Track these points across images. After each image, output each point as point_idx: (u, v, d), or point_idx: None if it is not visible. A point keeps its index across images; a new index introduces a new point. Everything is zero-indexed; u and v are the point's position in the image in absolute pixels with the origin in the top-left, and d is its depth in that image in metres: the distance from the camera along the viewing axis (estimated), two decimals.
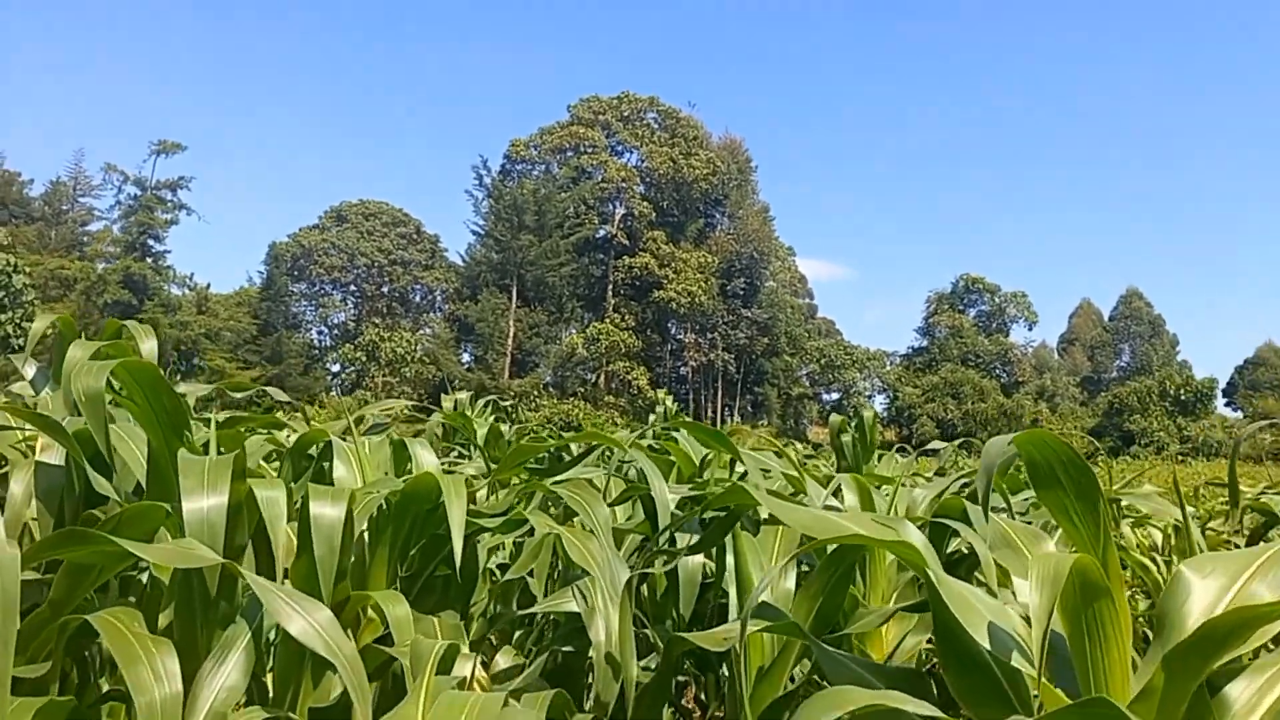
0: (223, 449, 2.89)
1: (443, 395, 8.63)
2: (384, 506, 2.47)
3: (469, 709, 1.55)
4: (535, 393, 53.63)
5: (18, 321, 25.40)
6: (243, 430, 4.16)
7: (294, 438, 3.78)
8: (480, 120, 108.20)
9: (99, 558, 1.78)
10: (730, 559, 2.69)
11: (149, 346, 3.46)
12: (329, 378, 58.44)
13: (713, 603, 3.10)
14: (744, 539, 2.67)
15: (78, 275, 49.23)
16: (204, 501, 1.82)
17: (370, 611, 2.40)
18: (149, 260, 50.51)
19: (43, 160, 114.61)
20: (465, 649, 2.26)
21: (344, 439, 3.04)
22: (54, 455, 2.51)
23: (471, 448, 6.04)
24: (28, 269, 28.87)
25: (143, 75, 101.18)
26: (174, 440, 2.11)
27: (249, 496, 2.11)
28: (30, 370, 3.58)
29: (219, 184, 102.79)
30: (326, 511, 2.03)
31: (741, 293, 65.67)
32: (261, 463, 4.11)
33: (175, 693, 1.57)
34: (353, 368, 54.99)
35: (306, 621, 1.65)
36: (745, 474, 3.42)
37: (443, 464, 4.91)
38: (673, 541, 2.75)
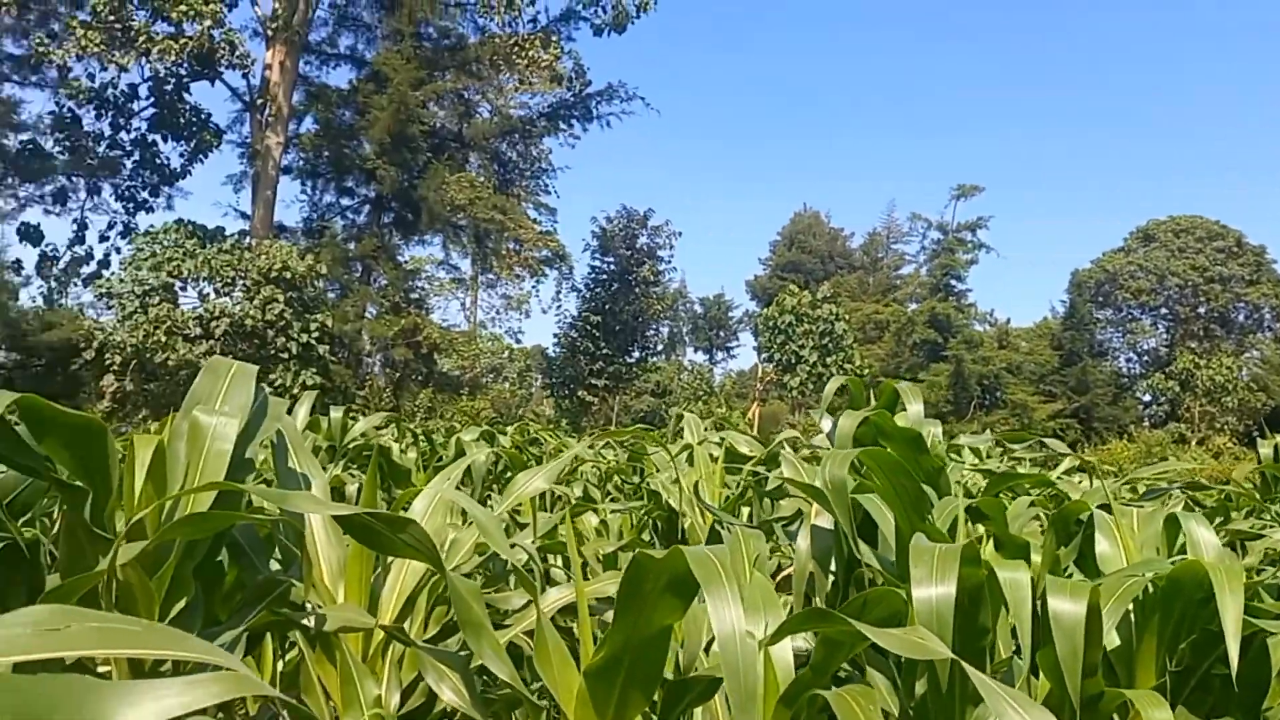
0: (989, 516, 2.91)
1: (1261, 437, 7.57)
2: (1150, 590, 2.26)
3: None
4: None
5: (840, 363, 28.94)
6: (1020, 488, 4.12)
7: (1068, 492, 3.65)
8: None
9: (845, 635, 1.91)
10: None
11: (915, 409, 3.63)
12: (1140, 408, 55.17)
13: None
14: None
15: (890, 318, 54.06)
16: (932, 590, 1.84)
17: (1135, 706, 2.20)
18: (952, 300, 53.33)
19: (862, 214, 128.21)
20: None
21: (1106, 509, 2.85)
22: (826, 520, 2.77)
23: None
24: (846, 315, 32.57)
25: (943, 125, 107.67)
26: (916, 520, 2.18)
27: (991, 577, 2.09)
28: (826, 424, 3.99)
29: (1015, 219, 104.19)
30: (1066, 608, 1.92)
31: None
32: (1038, 519, 4.04)
33: None
34: (1165, 398, 51.16)
35: None
36: None
37: (1253, 526, 4.29)
38: None
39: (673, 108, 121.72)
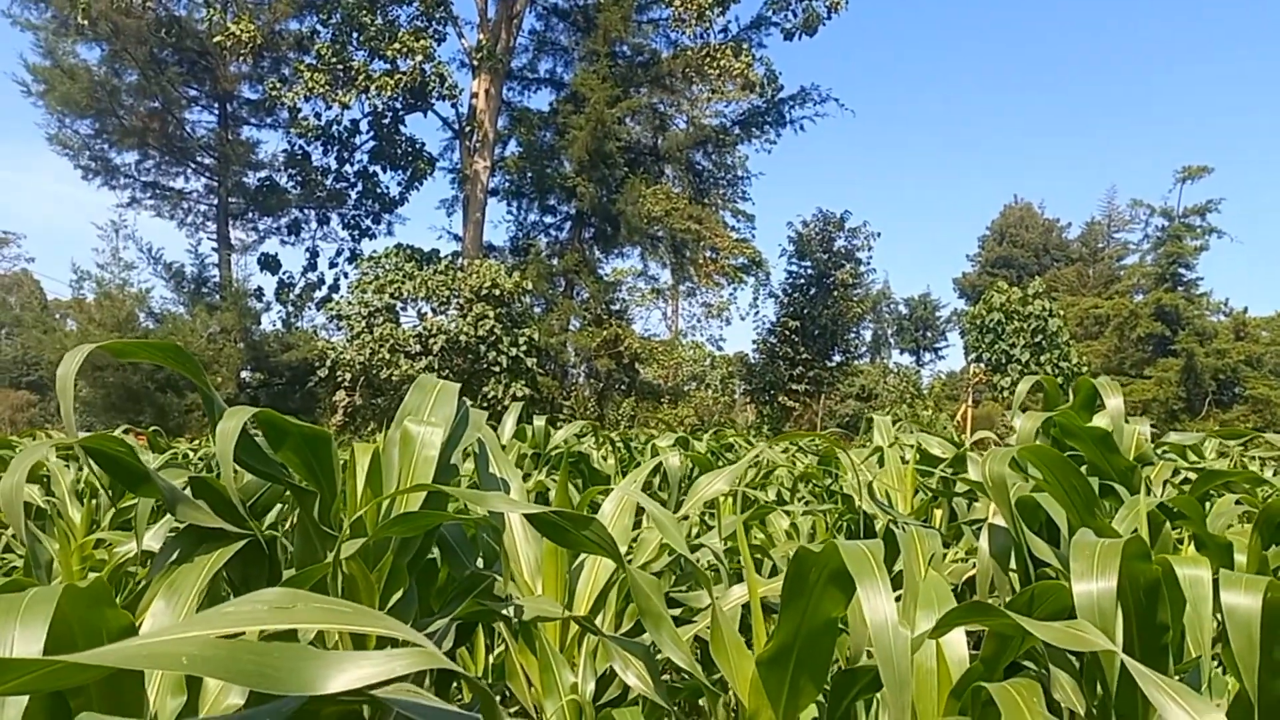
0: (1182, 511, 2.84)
1: None
2: None
3: None
4: None
5: (1055, 361, 27.55)
6: (1235, 486, 3.92)
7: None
8: None
9: (1010, 630, 1.95)
10: None
11: (1115, 405, 3.54)
12: None
13: None
14: None
15: (1110, 312, 50.90)
16: (1093, 585, 1.86)
17: None
18: (1179, 290, 49.68)
19: (1079, 204, 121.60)
20: None
21: None
22: (1003, 519, 2.78)
23: None
24: (1061, 311, 30.98)
25: (1163, 106, 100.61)
26: (1086, 518, 2.18)
27: (1169, 574, 2.07)
28: (1018, 422, 3.94)
29: (1250, 201, 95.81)
30: (1240, 601, 1.89)
31: None
32: (1246, 518, 3.83)
33: None
34: None
35: None
36: None
37: None
38: None
39: (868, 105, 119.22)
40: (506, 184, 29.64)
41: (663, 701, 2.29)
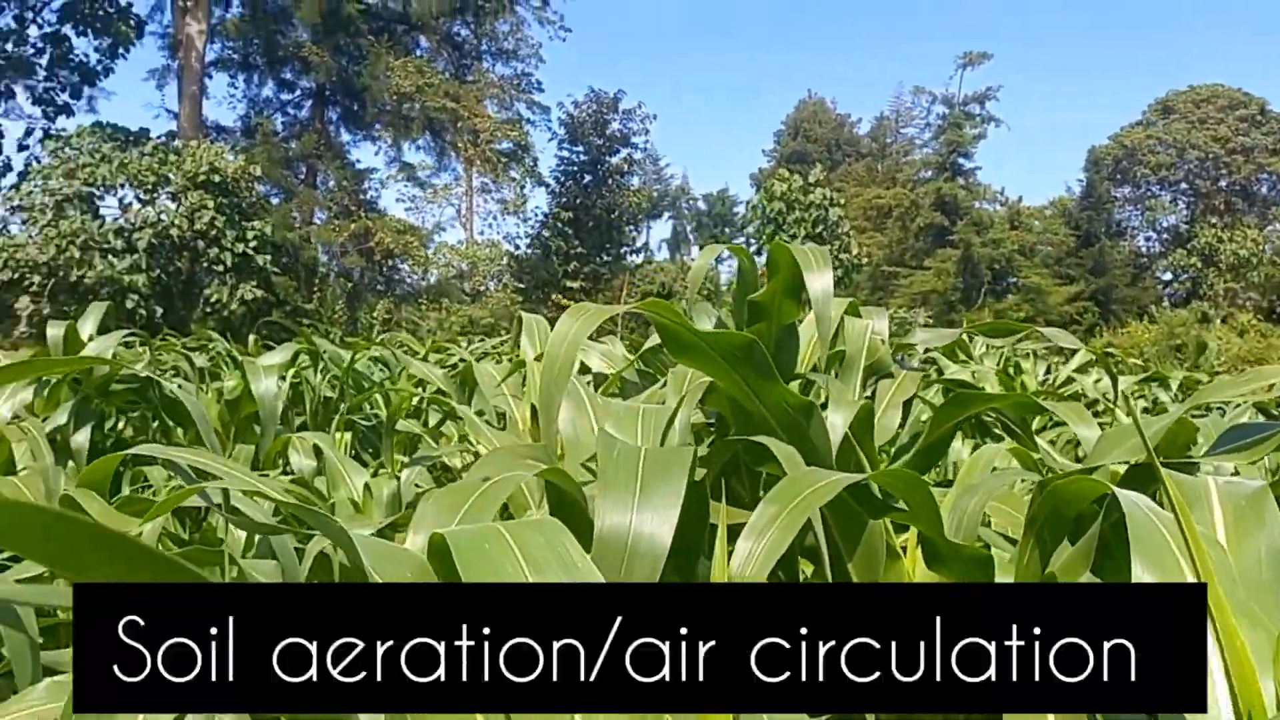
0: None
1: None
2: None
3: None
4: None
5: (836, 253, 26.57)
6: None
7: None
8: None
9: None
10: None
11: (820, 286, 2.02)
12: (1159, 288, 52.71)
13: None
14: None
15: (892, 202, 51.20)
16: None
17: None
18: (959, 180, 50.27)
19: (869, 99, 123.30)
20: None
21: None
22: None
23: None
24: (843, 201, 30.09)
25: None
26: None
27: None
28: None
29: (1028, 91, 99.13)
30: None
31: None
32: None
33: None
34: (1186, 275, 48.67)
35: None
36: None
37: None
38: None
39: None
40: (229, 52, 25.56)
41: None
